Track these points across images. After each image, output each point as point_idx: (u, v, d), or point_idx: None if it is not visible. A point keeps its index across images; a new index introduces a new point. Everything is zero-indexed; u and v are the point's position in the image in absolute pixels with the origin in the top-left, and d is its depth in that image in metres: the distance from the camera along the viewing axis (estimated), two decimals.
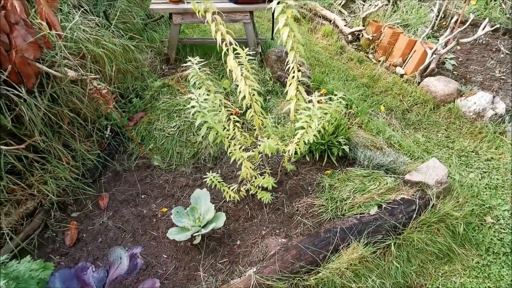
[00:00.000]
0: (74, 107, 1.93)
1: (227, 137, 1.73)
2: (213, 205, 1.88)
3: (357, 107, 2.70)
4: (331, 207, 2.07)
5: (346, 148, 2.22)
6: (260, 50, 3.06)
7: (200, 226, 1.82)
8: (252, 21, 2.89)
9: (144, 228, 2.00)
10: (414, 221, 1.95)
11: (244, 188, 2.02)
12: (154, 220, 2.04)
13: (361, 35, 3.72)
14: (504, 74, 3.39)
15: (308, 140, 1.63)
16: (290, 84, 1.64)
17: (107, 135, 2.31)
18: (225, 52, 1.55)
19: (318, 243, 1.78)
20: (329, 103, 1.69)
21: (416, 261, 1.89)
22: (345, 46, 3.70)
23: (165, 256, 1.85)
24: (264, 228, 2.02)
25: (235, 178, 2.27)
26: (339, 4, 4.31)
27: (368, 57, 3.61)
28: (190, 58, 1.76)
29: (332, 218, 2.04)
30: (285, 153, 1.90)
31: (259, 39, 3.15)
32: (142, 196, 2.18)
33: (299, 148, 1.75)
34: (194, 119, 2.50)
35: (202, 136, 2.44)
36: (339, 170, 2.32)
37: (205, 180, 1.90)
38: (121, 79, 2.50)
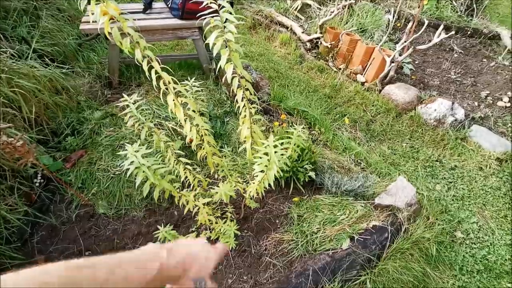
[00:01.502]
0: None
1: (176, 189, 1.49)
2: None
3: (320, 127, 2.56)
4: (301, 242, 1.90)
5: (313, 174, 2.07)
6: (214, 66, 2.82)
7: None
8: (203, 36, 2.64)
9: None
10: (387, 249, 1.84)
11: (204, 235, 1.79)
12: None
13: (319, 42, 3.61)
14: (460, 75, 3.46)
15: (268, 184, 1.44)
16: (243, 123, 1.43)
17: (37, 184, 1.95)
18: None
19: None
20: (287, 141, 1.51)
21: None
22: (305, 55, 3.57)
23: None
24: (230, 275, 1.81)
25: (194, 220, 2.03)
26: (295, 9, 4.18)
27: (328, 65, 3.51)
28: (125, 96, 1.50)
29: (303, 254, 1.88)
30: (245, 193, 1.70)
31: (211, 54, 2.91)
32: (87, 253, 1.87)
33: (260, 191, 1.55)
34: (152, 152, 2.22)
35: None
36: (307, 197, 2.16)
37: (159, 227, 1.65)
38: (51, 114, 2.14)
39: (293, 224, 2.03)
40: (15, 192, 1.75)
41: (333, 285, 1.66)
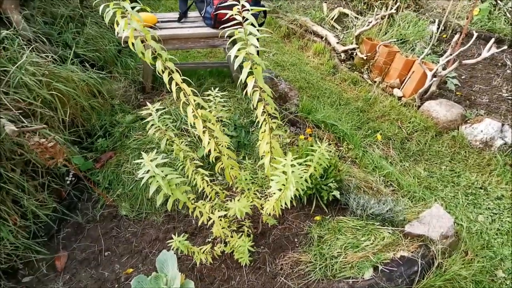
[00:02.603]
0: (21, 159, 1.68)
1: (191, 200, 1.47)
2: (180, 273, 1.61)
3: (349, 142, 2.43)
4: (320, 265, 1.79)
5: (337, 193, 1.95)
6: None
7: None
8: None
9: None
10: (416, 285, 1.67)
11: (219, 248, 1.75)
12: (116, 285, 1.77)
13: (355, 53, 3.47)
14: None
15: (285, 203, 1.37)
16: (262, 137, 1.38)
17: (67, 182, 2.05)
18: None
19: None
20: (309, 158, 1.44)
21: None
22: (338, 66, 3.45)
23: None
24: None
25: (211, 230, 2.00)
26: (332, 19, 4.07)
27: (363, 77, 3.35)
28: (148, 104, 1.52)
29: (321, 279, 1.76)
30: (262, 210, 1.64)
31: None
32: (106, 254, 1.92)
33: (277, 209, 1.48)
34: (167, 159, 2.26)
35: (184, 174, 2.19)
36: (330, 217, 2.05)
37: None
38: (86, 116, 2.25)
39: (313, 244, 1.92)
40: (45, 189, 1.85)
41: None
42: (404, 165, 2.49)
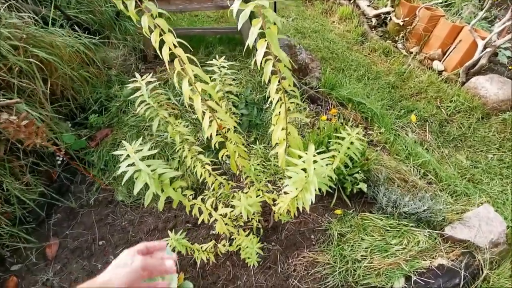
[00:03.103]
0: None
1: (188, 197, 1.21)
2: (177, 274, 1.40)
3: (380, 125, 2.07)
4: (339, 268, 1.54)
5: (363, 186, 1.65)
6: None
7: None
8: None
9: None
10: None
11: (223, 245, 1.51)
12: None
13: (388, 18, 2.98)
14: None
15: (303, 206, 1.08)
16: (276, 122, 1.07)
17: (58, 163, 1.84)
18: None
19: None
20: (335, 148, 1.13)
21: None
22: (368, 33, 2.98)
23: None
24: None
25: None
26: None
27: (397, 47, 2.89)
28: (137, 76, 1.24)
29: (341, 285, 1.52)
30: (274, 205, 1.37)
31: None
32: (100, 243, 1.74)
33: (293, 210, 1.20)
34: (170, 140, 2.00)
35: (179, 161, 1.94)
36: (353, 211, 1.76)
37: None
38: (79, 88, 1.99)
39: (332, 243, 1.66)
40: (33, 171, 1.64)
41: None
42: (442, 152, 2.13)
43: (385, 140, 2.04)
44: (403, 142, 2.06)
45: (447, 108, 2.39)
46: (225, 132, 1.20)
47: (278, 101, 0.99)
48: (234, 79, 2.29)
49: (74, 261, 1.66)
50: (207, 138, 1.15)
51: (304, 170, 0.95)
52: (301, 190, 1.03)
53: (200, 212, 1.30)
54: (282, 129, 1.06)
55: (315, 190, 1.02)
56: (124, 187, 1.91)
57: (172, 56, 0.89)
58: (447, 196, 1.76)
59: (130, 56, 2.43)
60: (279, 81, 0.92)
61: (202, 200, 1.29)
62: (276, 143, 1.13)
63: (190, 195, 1.24)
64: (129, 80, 1.20)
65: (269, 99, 1.03)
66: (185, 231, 1.77)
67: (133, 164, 0.99)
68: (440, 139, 2.21)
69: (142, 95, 1.20)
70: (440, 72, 2.64)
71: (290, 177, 1.03)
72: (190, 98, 1.00)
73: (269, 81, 0.93)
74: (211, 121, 1.11)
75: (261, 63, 0.87)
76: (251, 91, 2.19)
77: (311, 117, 2.04)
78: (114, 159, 1.97)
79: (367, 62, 2.75)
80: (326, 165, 1.02)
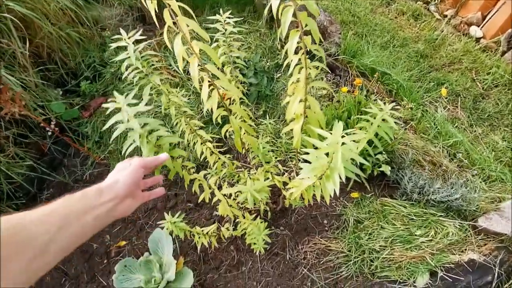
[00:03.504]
0: None
1: (188, 169, 1.04)
2: (174, 260, 1.27)
3: (408, 99, 1.82)
4: (355, 258, 1.39)
5: (387, 169, 1.45)
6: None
7: None
8: None
9: (91, 271, 1.47)
10: None
11: (227, 229, 1.37)
12: (106, 260, 1.50)
13: None
14: None
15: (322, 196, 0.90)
16: (293, 92, 0.86)
17: (49, 133, 1.68)
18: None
19: None
20: (363, 125, 0.92)
21: None
22: None
23: None
24: (254, 283, 1.41)
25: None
26: None
27: (428, 9, 2.54)
28: (122, 32, 1.02)
29: (356, 276, 1.38)
30: (285, 190, 1.20)
31: None
32: None
33: (308, 197, 1.02)
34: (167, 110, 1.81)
35: (180, 135, 1.76)
36: (372, 196, 1.58)
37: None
38: (69, 52, 1.78)
39: (347, 230, 1.50)
40: (11, 143, 1.49)
41: None
42: (475, 131, 1.88)
43: (411, 117, 1.80)
44: (431, 119, 1.82)
45: (483, 81, 2.11)
46: (229, 104, 0.99)
47: (297, 64, 0.77)
48: (242, 43, 2.03)
49: None
50: (206, 111, 0.95)
51: (327, 154, 0.76)
52: (320, 178, 0.84)
53: (201, 190, 1.13)
54: (301, 101, 0.85)
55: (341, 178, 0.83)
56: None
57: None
58: (481, 182, 1.55)
59: (126, 16, 2.17)
60: (300, 37, 0.69)
61: (205, 176, 1.12)
62: (291, 119, 0.93)
63: (191, 167, 1.07)
64: (112, 38, 0.98)
65: (284, 64, 0.81)
66: (186, 211, 1.64)
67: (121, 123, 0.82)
68: (473, 116, 1.96)
69: (129, 56, 0.98)
70: (477, 40, 2.32)
71: (307, 162, 0.83)
72: (185, 62, 0.79)
73: (286, 37, 0.71)
74: (211, 91, 0.90)
75: (277, 12, 0.65)
76: (261, 57, 1.94)
77: (328, 90, 1.80)
78: (110, 130, 1.80)
79: (393, 26, 2.42)
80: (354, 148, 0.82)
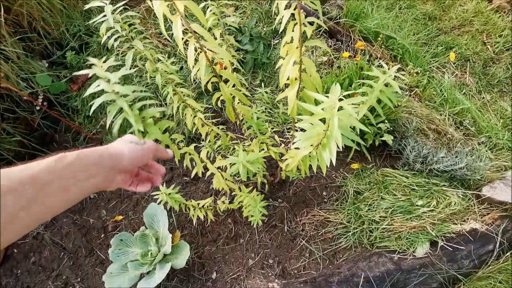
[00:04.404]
0: None
1: (177, 143, 0.99)
2: (170, 234, 1.26)
3: (414, 65, 1.71)
4: (354, 229, 1.38)
5: (389, 138, 1.39)
6: None
7: (151, 265, 1.24)
8: None
9: (89, 246, 1.47)
10: (487, 267, 1.22)
11: (223, 203, 1.34)
12: (103, 234, 1.49)
13: None
14: None
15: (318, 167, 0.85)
16: (287, 52, 0.77)
17: (37, 108, 1.62)
18: None
19: None
20: (366, 90, 0.85)
21: None
22: None
23: None
24: (252, 255, 1.41)
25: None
26: None
27: None
28: None
29: (354, 247, 1.37)
30: (281, 162, 1.14)
31: None
32: (91, 196, 1.60)
33: (304, 169, 0.97)
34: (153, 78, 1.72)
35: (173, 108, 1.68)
36: (373, 166, 1.54)
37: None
38: (52, 20, 1.67)
39: (346, 201, 1.47)
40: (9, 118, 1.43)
41: None
42: (484, 97, 1.79)
43: (416, 83, 1.70)
44: (438, 86, 1.72)
45: (494, 45, 1.98)
46: (218, 68, 0.91)
47: (289, 20, 0.68)
48: (236, 7, 1.90)
49: (65, 216, 1.55)
50: (194, 76, 0.87)
51: (323, 121, 0.69)
52: (316, 147, 0.78)
53: (194, 165, 1.09)
54: (295, 63, 0.77)
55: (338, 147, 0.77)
56: (115, 138, 1.70)
57: None
58: (487, 150, 1.49)
59: None
60: None
61: (197, 149, 1.07)
62: (286, 84, 0.85)
63: (181, 141, 1.01)
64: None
65: (281, 29, 0.73)
66: (182, 185, 1.61)
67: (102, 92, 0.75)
68: (482, 82, 1.85)
69: (107, 19, 0.90)
70: (490, 0, 2.15)
71: (302, 130, 0.77)
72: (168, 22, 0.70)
73: None
74: (198, 54, 0.82)
75: None
76: (256, 22, 1.82)
77: (329, 56, 1.70)
78: (101, 105, 1.72)
79: None
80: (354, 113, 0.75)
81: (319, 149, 0.77)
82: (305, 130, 0.74)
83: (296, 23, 0.69)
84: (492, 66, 1.91)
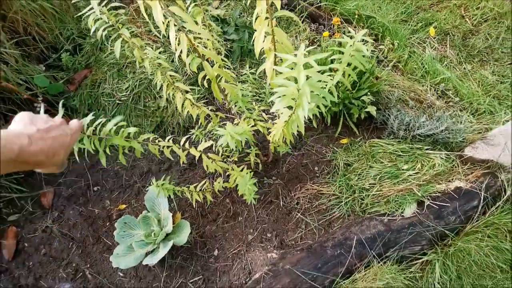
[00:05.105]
0: None
1: (151, 140, 1.05)
2: (171, 213, 1.33)
3: (392, 39, 1.78)
4: (346, 198, 1.44)
5: (372, 109, 1.45)
6: None
7: (155, 244, 1.31)
8: None
9: (95, 234, 1.54)
10: (474, 222, 1.28)
11: (218, 183, 1.41)
12: (108, 223, 1.56)
13: None
14: None
15: (298, 130, 0.91)
16: (258, 24, 0.84)
17: (37, 109, 1.70)
18: None
19: (322, 265, 1.22)
20: (337, 57, 0.92)
21: (469, 278, 1.29)
22: None
23: (121, 274, 1.42)
24: (251, 231, 1.48)
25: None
26: None
27: None
28: None
29: (347, 215, 1.43)
30: (269, 135, 1.21)
31: None
32: (95, 189, 1.68)
33: (288, 136, 1.04)
34: (153, 77, 1.79)
35: (167, 100, 1.76)
36: (361, 139, 1.60)
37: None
38: (46, 25, 1.75)
39: (337, 174, 1.54)
40: (2, 119, 1.51)
41: (385, 263, 1.23)
42: (465, 68, 1.85)
43: (398, 58, 1.77)
44: (419, 60, 1.79)
45: (472, 17, 2.04)
46: (200, 48, 0.98)
47: None
48: (221, 1, 1.97)
49: (71, 208, 1.62)
50: (179, 57, 0.94)
51: (295, 80, 0.76)
52: (293, 109, 0.85)
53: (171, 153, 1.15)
54: (267, 34, 0.84)
55: (314, 108, 0.85)
56: None
57: None
58: (469, 116, 1.56)
59: None
60: None
61: (174, 141, 1.12)
62: (263, 57, 0.93)
63: (154, 137, 1.07)
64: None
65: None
66: (181, 171, 1.68)
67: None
68: (462, 53, 1.92)
69: (93, 11, 0.97)
70: None
71: (276, 94, 0.84)
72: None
73: None
74: (178, 34, 0.89)
75: None
76: (241, 13, 1.89)
77: (312, 37, 1.77)
78: (97, 102, 1.80)
79: None
80: (328, 80, 0.83)
81: (295, 112, 0.84)
82: (279, 93, 0.81)
83: (261, 22, 0.76)
84: (471, 38, 1.98)
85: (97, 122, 0.81)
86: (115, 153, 1.75)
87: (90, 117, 0.78)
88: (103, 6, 1.00)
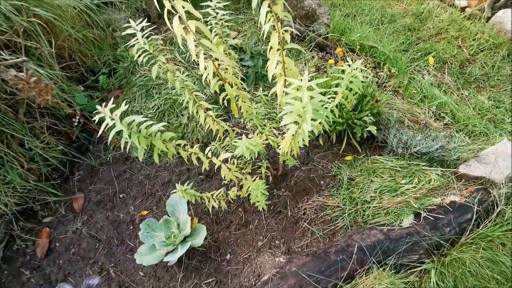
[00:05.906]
0: (14, 99, 1.54)
1: (182, 147, 1.23)
2: (189, 217, 1.48)
3: (391, 66, 1.96)
4: (349, 210, 1.56)
5: (373, 129, 1.61)
6: None
7: (174, 244, 1.45)
8: None
9: (120, 236, 1.70)
10: (468, 234, 1.38)
11: (233, 192, 1.56)
12: (131, 227, 1.72)
13: None
14: None
15: (303, 141, 1.08)
16: (269, 49, 1.04)
17: (75, 124, 1.93)
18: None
19: (326, 269, 1.33)
20: (337, 82, 1.10)
21: None
22: None
23: (141, 274, 1.55)
24: (261, 238, 1.60)
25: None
26: None
27: None
28: (131, 22, 1.23)
29: (350, 225, 1.55)
30: (279, 148, 1.38)
31: None
32: (120, 196, 1.85)
33: (295, 149, 1.20)
34: (177, 96, 2.02)
35: (188, 117, 1.97)
36: (364, 157, 1.74)
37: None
38: (86, 51, 2.02)
39: (341, 187, 1.67)
40: (46, 131, 1.74)
41: (384, 270, 1.33)
42: (462, 94, 2.00)
43: (398, 84, 1.94)
44: (418, 85, 1.95)
45: (469, 47, 2.22)
46: (223, 72, 1.18)
47: (270, 29, 0.95)
48: (238, 32, 2.23)
49: (99, 212, 1.79)
50: (205, 79, 1.14)
51: (300, 99, 0.94)
52: (299, 124, 1.02)
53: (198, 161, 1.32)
54: (278, 62, 1.03)
55: (317, 125, 1.01)
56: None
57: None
58: (464, 136, 1.69)
59: (134, 17, 2.40)
60: (269, 5, 0.88)
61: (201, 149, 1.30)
62: (274, 81, 1.11)
63: (185, 145, 1.25)
64: (124, 26, 1.19)
65: (263, 31, 0.98)
66: (198, 182, 1.85)
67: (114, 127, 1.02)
68: (460, 80, 2.07)
69: (137, 41, 1.20)
70: (463, 9, 2.42)
71: (285, 111, 1.02)
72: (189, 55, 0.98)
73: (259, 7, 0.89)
74: (207, 61, 1.09)
75: None
76: (255, 42, 2.13)
77: (319, 64, 1.97)
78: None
79: (381, 5, 2.55)
80: (329, 101, 1.00)
81: (301, 126, 1.01)
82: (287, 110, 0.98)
83: (276, 31, 0.95)
84: (468, 66, 2.14)
85: (145, 124, 1.00)
86: (139, 164, 1.95)
87: (140, 118, 0.97)
88: (144, 37, 1.22)
